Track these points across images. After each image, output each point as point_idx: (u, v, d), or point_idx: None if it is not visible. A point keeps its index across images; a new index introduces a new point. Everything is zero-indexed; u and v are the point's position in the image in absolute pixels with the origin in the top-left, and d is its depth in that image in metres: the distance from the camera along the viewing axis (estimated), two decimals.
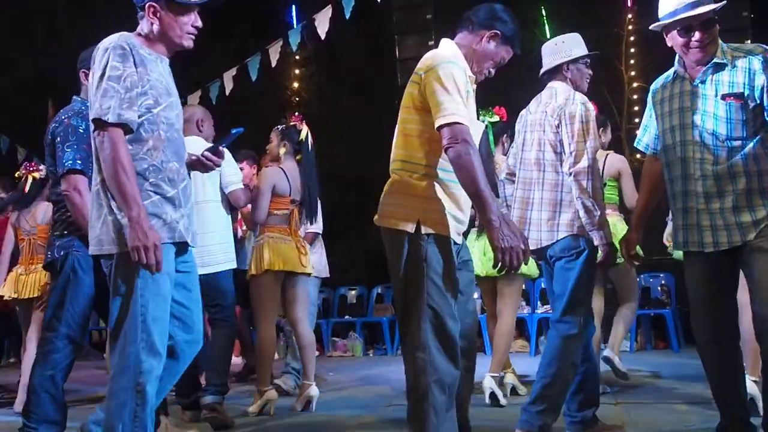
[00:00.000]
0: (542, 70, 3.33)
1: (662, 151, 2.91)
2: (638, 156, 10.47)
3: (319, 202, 4.66)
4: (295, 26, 8.31)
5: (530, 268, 4.44)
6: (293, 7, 10.92)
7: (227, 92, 7.83)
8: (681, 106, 2.81)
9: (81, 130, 3.07)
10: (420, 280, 2.37)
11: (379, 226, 2.51)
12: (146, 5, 2.40)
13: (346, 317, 8.37)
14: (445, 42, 2.63)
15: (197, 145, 3.89)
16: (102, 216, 2.31)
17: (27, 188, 4.74)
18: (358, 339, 8.19)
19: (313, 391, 4.25)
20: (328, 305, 8.50)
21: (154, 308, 2.27)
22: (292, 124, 4.49)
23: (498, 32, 2.58)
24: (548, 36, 12.87)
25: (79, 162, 3.02)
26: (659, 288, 7.19)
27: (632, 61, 12.12)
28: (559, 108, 3.11)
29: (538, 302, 7.36)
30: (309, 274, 4.38)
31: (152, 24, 2.41)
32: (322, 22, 6.70)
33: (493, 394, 4.11)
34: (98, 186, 2.34)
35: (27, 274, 4.55)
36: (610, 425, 3.28)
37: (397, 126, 2.56)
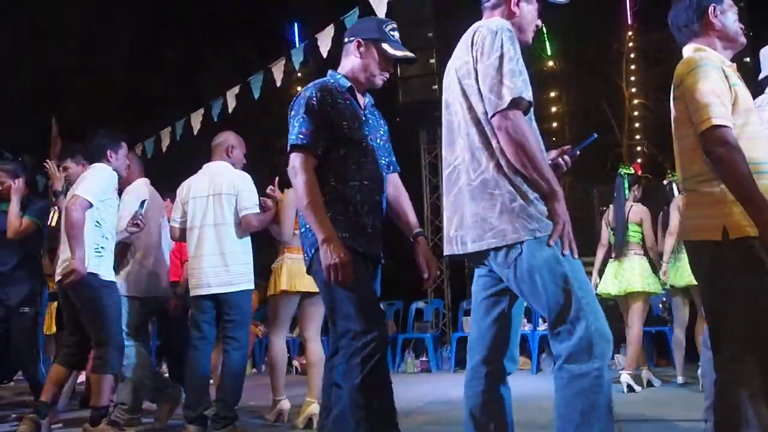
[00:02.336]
0: (762, 75, 3.17)
1: None
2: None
3: None
4: (297, 45, 8.38)
5: (654, 285, 5.42)
6: (296, 25, 11.02)
7: (230, 110, 7.88)
8: None
9: (314, 102, 2.62)
10: (739, 288, 2.26)
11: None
12: None
13: None
14: (689, 48, 2.53)
15: (222, 170, 4.01)
16: (498, 204, 2.16)
17: None
18: None
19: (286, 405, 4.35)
20: None
21: (586, 288, 2.13)
22: None
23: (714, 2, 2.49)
24: (549, 52, 12.91)
25: (301, 137, 2.58)
26: (660, 305, 7.16)
27: (632, 78, 12.15)
28: None
29: (540, 320, 7.34)
30: None
31: (513, 6, 2.33)
32: (324, 41, 6.77)
33: (629, 386, 5.19)
34: (489, 173, 2.18)
35: None
36: None
37: (675, 147, 2.51)
